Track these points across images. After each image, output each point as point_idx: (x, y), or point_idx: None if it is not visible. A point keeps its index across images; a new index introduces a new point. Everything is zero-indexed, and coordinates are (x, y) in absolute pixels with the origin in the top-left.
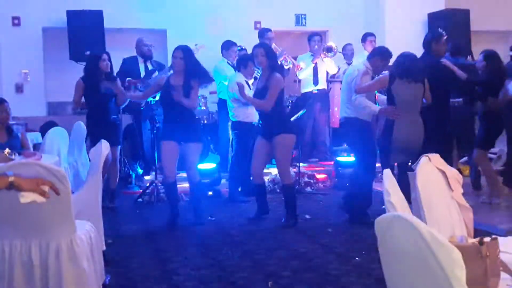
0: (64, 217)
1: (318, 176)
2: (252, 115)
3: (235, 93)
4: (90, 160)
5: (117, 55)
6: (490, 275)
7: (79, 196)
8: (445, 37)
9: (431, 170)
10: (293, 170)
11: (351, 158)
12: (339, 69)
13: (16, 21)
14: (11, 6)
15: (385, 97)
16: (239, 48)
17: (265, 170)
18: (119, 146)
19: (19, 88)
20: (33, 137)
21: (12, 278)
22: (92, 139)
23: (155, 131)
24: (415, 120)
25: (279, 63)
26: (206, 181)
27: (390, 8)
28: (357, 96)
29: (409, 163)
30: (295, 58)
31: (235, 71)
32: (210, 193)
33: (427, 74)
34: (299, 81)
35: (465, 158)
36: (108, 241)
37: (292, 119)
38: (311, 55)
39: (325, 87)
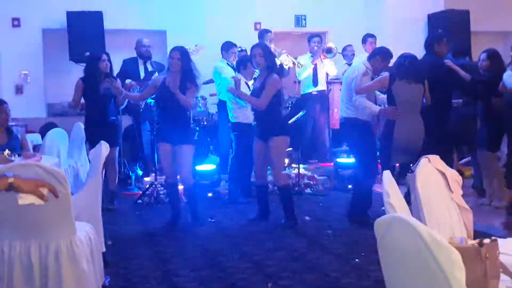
0: (64, 219)
1: (317, 177)
2: (251, 117)
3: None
4: (89, 162)
5: (117, 56)
6: (490, 276)
7: (78, 198)
8: (446, 38)
9: (430, 171)
10: (292, 172)
11: (351, 160)
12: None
13: (16, 22)
14: (11, 7)
15: (385, 96)
16: (239, 49)
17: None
18: (118, 147)
19: (19, 89)
20: (32, 139)
21: (12, 279)
22: (90, 140)
23: (154, 133)
24: (416, 120)
25: (279, 62)
26: (205, 182)
27: (389, 9)
28: (357, 97)
29: (411, 165)
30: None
31: (234, 72)
32: (210, 194)
33: (430, 75)
34: (299, 82)
35: (465, 159)
36: (108, 242)
37: (291, 120)
38: (311, 56)
39: (325, 88)
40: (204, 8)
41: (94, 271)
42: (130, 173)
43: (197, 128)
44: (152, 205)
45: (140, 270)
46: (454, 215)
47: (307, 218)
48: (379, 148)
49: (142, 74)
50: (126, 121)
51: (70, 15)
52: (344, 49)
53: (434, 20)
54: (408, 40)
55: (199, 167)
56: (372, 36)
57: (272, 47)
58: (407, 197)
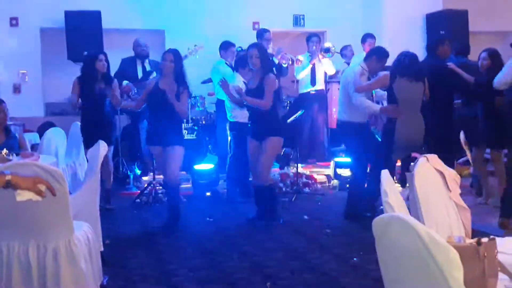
0: (62, 218)
1: (316, 176)
2: None
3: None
4: (87, 161)
5: (115, 56)
6: (488, 275)
7: (77, 197)
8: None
9: (429, 170)
10: (291, 171)
11: (349, 159)
12: (337, 72)
13: (14, 22)
14: (9, 6)
15: (384, 93)
16: (238, 48)
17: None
18: (112, 146)
19: (17, 89)
20: (30, 138)
21: (10, 279)
22: (85, 139)
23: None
24: (417, 117)
25: (277, 62)
26: (204, 181)
27: (388, 9)
28: (357, 96)
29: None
30: None
31: (233, 71)
32: (208, 193)
33: (431, 76)
34: (297, 81)
35: (463, 159)
36: (106, 242)
37: (290, 119)
38: (309, 55)
39: (323, 87)
40: (202, 7)
41: (92, 271)
42: (128, 173)
43: (196, 128)
44: (151, 204)
45: (138, 270)
46: (452, 214)
47: (305, 217)
48: (380, 146)
49: (140, 74)
50: (124, 120)
51: (68, 14)
52: (343, 48)
53: (432, 20)
54: (406, 40)
55: (197, 167)
56: (372, 37)
57: (270, 47)
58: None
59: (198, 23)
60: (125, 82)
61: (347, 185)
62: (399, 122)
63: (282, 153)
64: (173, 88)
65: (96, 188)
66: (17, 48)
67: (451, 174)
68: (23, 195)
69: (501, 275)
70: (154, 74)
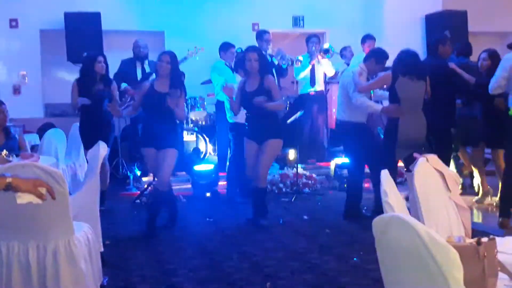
0: (62, 219)
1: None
2: None
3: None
4: (87, 162)
5: (115, 57)
6: (488, 275)
7: (76, 198)
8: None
9: (428, 170)
10: (291, 172)
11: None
12: (337, 73)
13: (13, 23)
14: (8, 8)
15: (382, 92)
16: (238, 49)
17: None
18: (109, 148)
19: (16, 90)
20: (30, 139)
21: (10, 280)
22: (83, 140)
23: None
24: (419, 116)
25: (277, 63)
26: (204, 182)
27: (387, 10)
28: (358, 96)
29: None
30: None
31: (232, 72)
32: (208, 194)
33: (432, 76)
34: (297, 82)
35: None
36: (106, 242)
37: (289, 120)
38: (309, 56)
39: (323, 88)
40: (202, 9)
41: (92, 271)
42: (128, 173)
43: (195, 129)
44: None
45: (138, 270)
46: (452, 214)
47: (305, 217)
48: (382, 146)
49: (139, 75)
50: (123, 121)
51: (68, 16)
52: (342, 49)
53: (432, 20)
54: (406, 40)
55: (197, 167)
56: (372, 38)
57: (270, 48)
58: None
59: (197, 24)
60: (123, 85)
61: (345, 185)
62: (402, 121)
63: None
64: (166, 92)
65: (96, 189)
66: (17, 50)
67: (451, 174)
68: (23, 198)
69: (501, 275)
70: (154, 75)
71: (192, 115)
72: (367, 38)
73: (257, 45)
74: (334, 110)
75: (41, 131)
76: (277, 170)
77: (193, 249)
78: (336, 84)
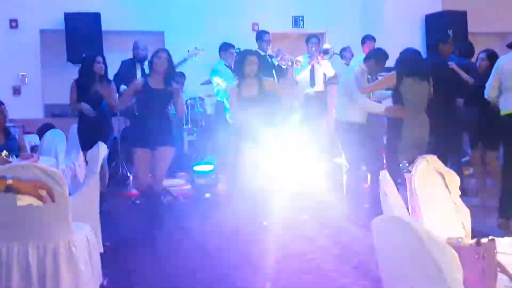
0: (62, 219)
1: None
2: None
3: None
4: (87, 162)
5: (115, 58)
6: (487, 276)
7: (76, 198)
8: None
9: (428, 171)
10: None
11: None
12: (336, 75)
13: (13, 24)
14: (8, 8)
15: (381, 92)
16: (238, 50)
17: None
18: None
19: (16, 91)
20: (30, 139)
21: (10, 281)
22: (81, 140)
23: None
24: (422, 117)
25: (277, 63)
26: (203, 183)
27: (387, 10)
28: (359, 97)
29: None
30: None
31: (232, 73)
32: (207, 195)
33: (433, 74)
34: (296, 83)
35: (464, 159)
36: (106, 243)
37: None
38: (309, 57)
39: (323, 89)
40: (202, 9)
41: (92, 272)
42: (128, 174)
43: (195, 129)
44: None
45: (138, 271)
46: (452, 215)
47: (305, 217)
48: (383, 147)
49: (139, 76)
50: (123, 122)
51: (68, 16)
52: (342, 50)
53: (431, 21)
54: (405, 40)
55: (197, 168)
56: (372, 38)
57: (270, 48)
58: None
59: (197, 24)
60: (122, 87)
61: (345, 186)
62: (406, 122)
63: None
64: (161, 88)
65: (96, 190)
66: (16, 50)
67: (451, 175)
68: (23, 200)
69: (501, 276)
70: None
71: (192, 116)
72: (367, 38)
73: (257, 45)
74: (334, 110)
75: (41, 132)
76: None
77: (192, 249)
78: (335, 85)
